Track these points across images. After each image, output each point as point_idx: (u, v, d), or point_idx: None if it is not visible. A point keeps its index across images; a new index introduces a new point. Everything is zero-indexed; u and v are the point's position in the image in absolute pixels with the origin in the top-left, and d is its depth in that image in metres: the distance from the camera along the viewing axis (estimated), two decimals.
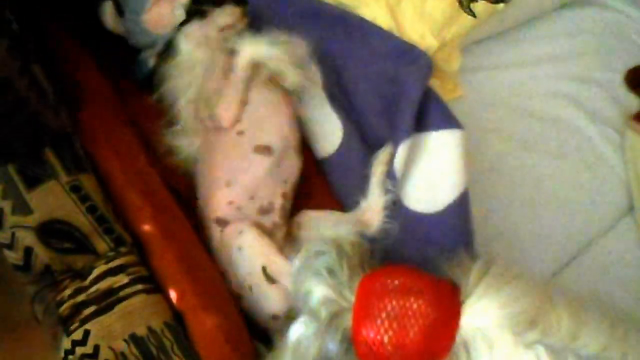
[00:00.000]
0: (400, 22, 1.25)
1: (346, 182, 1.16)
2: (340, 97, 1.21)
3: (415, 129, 1.12)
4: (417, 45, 1.21)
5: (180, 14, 1.09)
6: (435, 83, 1.27)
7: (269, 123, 1.08)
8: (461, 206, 1.11)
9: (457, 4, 1.29)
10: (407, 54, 1.20)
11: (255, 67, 1.08)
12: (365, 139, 1.19)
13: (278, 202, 1.06)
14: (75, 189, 0.92)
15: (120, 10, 1.11)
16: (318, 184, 1.19)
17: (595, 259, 1.33)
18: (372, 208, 1.09)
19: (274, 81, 1.10)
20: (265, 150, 1.05)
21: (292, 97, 1.13)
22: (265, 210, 1.05)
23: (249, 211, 1.04)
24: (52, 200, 0.90)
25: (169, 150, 1.09)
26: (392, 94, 1.17)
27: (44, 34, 1.05)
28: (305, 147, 1.17)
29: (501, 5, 1.35)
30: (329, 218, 1.11)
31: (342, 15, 1.23)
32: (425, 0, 1.27)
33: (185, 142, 1.10)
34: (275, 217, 1.06)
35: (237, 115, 1.06)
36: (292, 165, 1.10)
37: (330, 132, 1.18)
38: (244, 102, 1.07)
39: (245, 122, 1.07)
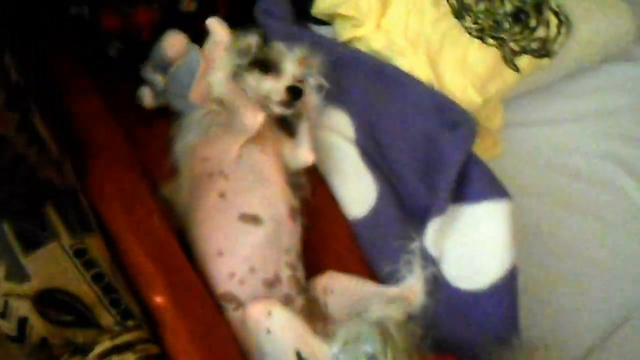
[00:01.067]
0: (441, 74, 1.17)
1: (379, 247, 1.08)
2: (375, 153, 1.13)
3: (456, 199, 1.04)
4: (459, 103, 1.11)
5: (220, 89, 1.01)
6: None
7: (254, 191, 0.99)
8: (508, 284, 1.01)
9: (500, 57, 1.21)
10: (449, 113, 1.10)
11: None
12: (402, 201, 1.11)
13: (285, 273, 0.97)
14: (80, 253, 0.82)
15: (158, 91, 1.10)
16: (348, 243, 1.10)
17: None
18: (413, 284, 1.00)
19: (269, 140, 1.04)
20: (252, 219, 0.96)
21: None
22: (271, 283, 0.95)
23: (254, 285, 0.94)
24: (52, 266, 0.80)
25: (164, 205, 1.00)
26: (431, 156, 1.09)
27: (50, 73, 0.98)
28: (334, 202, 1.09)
29: (546, 60, 1.28)
30: (362, 289, 1.02)
31: (377, 65, 1.14)
32: (467, 51, 1.19)
33: (177, 196, 1.01)
34: (285, 289, 0.96)
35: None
36: (292, 234, 1.00)
37: (363, 191, 1.10)
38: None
39: (227, 184, 0.98)
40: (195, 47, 1.06)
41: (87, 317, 0.80)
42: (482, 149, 1.20)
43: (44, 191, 0.81)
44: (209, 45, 1.06)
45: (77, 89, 1.01)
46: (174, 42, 1.08)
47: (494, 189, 1.04)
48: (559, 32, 1.28)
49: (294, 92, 1.02)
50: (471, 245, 1.04)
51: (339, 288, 1.01)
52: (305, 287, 0.99)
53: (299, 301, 0.97)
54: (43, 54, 0.98)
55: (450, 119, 1.09)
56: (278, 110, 1.04)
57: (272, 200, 0.99)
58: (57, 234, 0.81)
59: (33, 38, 0.93)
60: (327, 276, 1.02)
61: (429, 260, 1.03)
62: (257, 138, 1.01)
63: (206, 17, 1.15)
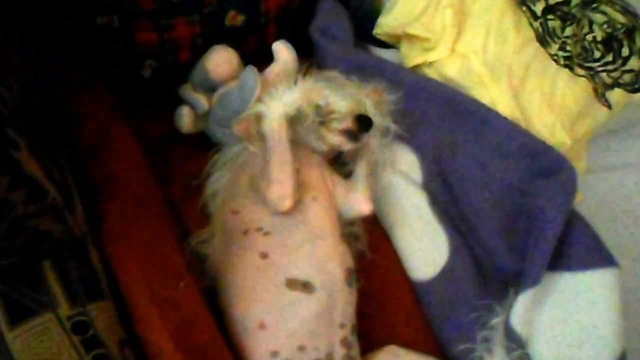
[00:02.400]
0: (525, 109, 0.98)
1: (450, 318, 0.89)
2: (447, 201, 0.94)
3: (553, 267, 0.85)
4: (552, 146, 0.92)
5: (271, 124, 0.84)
6: None
7: (302, 250, 0.80)
8: None
9: (591, 90, 1.02)
10: (541, 158, 0.92)
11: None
12: (479, 262, 0.92)
13: (339, 352, 0.78)
14: (80, 327, 0.65)
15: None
16: (412, 311, 0.91)
17: None
18: None
19: (321, 184, 0.86)
20: (301, 286, 0.78)
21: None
22: None
23: None
24: (44, 343, 0.62)
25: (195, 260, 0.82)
26: (518, 211, 0.90)
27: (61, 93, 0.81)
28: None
29: (639, 95, 1.07)
30: None
31: (453, 96, 0.96)
32: (556, 83, 1.00)
33: (210, 250, 0.84)
34: None
35: (295, 189, 0.80)
36: (348, 302, 0.81)
37: (432, 248, 0.91)
38: (295, 169, 0.81)
39: (268, 241, 0.80)
40: (252, 69, 0.89)
41: None
42: None
43: (39, 247, 0.63)
44: (272, 69, 0.92)
45: (97, 114, 0.85)
46: (221, 59, 0.92)
47: (600, 255, 0.86)
48: None
49: (364, 123, 0.83)
50: (572, 325, 0.84)
51: None
52: None
53: None
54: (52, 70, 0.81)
55: (543, 166, 0.90)
56: (337, 141, 0.85)
57: (325, 261, 0.80)
58: (54, 301, 0.63)
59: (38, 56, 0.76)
60: (386, 352, 0.84)
61: (515, 341, 0.84)
62: (306, 184, 0.83)
63: (253, 33, 0.99)
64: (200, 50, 0.93)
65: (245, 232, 0.80)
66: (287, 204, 0.79)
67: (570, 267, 0.86)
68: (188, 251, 0.80)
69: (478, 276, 0.90)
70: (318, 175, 0.87)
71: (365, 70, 0.94)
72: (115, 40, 0.89)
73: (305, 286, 0.77)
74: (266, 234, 0.80)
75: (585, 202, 1.14)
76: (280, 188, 0.79)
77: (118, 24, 0.88)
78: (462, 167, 0.93)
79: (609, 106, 1.04)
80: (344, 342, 0.78)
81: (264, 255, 0.78)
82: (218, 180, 0.88)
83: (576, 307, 0.85)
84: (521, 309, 0.83)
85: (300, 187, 0.81)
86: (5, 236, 0.60)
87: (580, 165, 1.10)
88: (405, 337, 0.88)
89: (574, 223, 0.87)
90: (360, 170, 0.89)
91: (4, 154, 0.56)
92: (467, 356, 0.85)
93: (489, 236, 0.91)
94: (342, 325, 0.79)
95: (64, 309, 0.63)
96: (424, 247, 0.91)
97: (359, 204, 0.87)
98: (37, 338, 0.61)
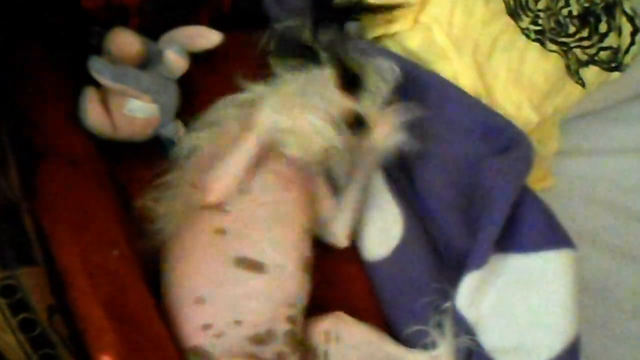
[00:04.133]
0: (490, 85, 0.96)
1: (401, 299, 0.87)
2: (403, 181, 0.92)
3: (503, 248, 0.84)
4: (512, 122, 0.91)
5: None
6: None
7: (264, 233, 0.79)
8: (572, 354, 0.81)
9: (563, 67, 1.00)
10: (499, 134, 0.90)
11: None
12: (435, 242, 0.90)
13: (282, 328, 0.76)
14: (8, 290, 0.63)
15: None
16: (363, 291, 0.89)
17: None
18: (443, 355, 0.81)
19: (298, 182, 0.84)
20: (252, 266, 0.76)
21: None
22: (261, 340, 0.75)
23: (235, 340, 0.74)
24: None
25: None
26: (475, 189, 0.88)
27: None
28: None
29: (616, 74, 1.07)
30: (378, 346, 0.82)
31: (411, 69, 0.92)
32: (524, 58, 0.98)
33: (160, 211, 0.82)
34: (277, 347, 0.76)
35: (226, 192, 0.78)
36: (301, 286, 0.79)
37: (385, 226, 0.89)
38: (238, 182, 0.79)
39: (231, 219, 0.78)
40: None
41: None
42: (530, 180, 1.00)
43: None
44: None
45: (42, 83, 0.82)
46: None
47: (555, 236, 0.84)
48: (632, 42, 1.07)
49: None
50: (521, 309, 0.83)
51: (347, 336, 0.80)
52: (302, 340, 0.79)
53: (295, 357, 0.77)
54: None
55: (503, 142, 0.89)
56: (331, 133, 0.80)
57: (288, 247, 0.79)
58: None
59: None
60: (332, 318, 0.81)
61: (462, 325, 0.83)
62: (281, 174, 0.82)
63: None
64: (149, 16, 0.91)
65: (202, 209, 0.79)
66: (210, 197, 0.77)
67: (521, 248, 0.84)
68: (133, 213, 0.79)
69: (433, 258, 0.88)
70: (302, 175, 0.84)
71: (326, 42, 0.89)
72: (61, 6, 0.86)
73: (255, 266, 0.75)
74: (227, 212, 0.78)
75: (558, 187, 1.14)
76: (216, 178, 0.78)
77: None
78: (419, 143, 0.90)
79: (583, 84, 1.03)
80: (289, 319, 0.77)
81: (219, 231, 0.76)
82: (201, 138, 0.85)
83: (527, 290, 0.84)
84: (466, 292, 0.82)
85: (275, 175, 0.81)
86: None
87: (551, 144, 1.11)
88: (356, 303, 0.86)
89: (528, 202, 0.85)
90: (349, 195, 0.87)
91: None
92: (419, 340, 0.83)
93: (445, 216, 0.89)
94: (290, 305, 0.77)
95: None
96: (377, 224, 0.89)
97: (336, 238, 0.87)
98: None
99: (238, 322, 0.74)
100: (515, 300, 0.83)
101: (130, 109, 0.84)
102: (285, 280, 0.77)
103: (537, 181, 1.07)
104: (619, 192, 1.19)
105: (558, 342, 0.81)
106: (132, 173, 0.85)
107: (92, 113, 0.82)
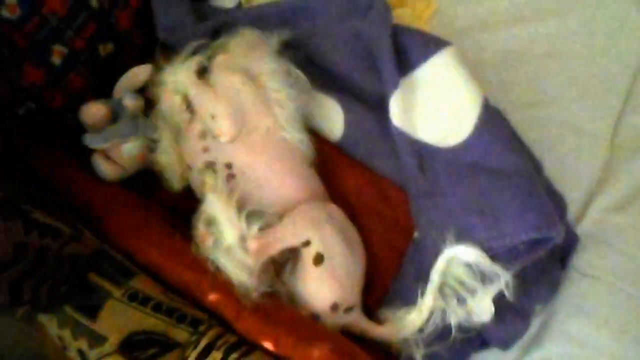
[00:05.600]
0: None
1: (370, 153, 1.12)
2: (325, 76, 1.16)
3: (404, 72, 1.06)
4: None
5: None
6: (406, 12, 1.23)
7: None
8: (489, 117, 1.04)
9: None
10: (357, 3, 1.13)
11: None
12: (370, 104, 1.13)
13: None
14: (133, 296, 0.93)
15: None
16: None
17: None
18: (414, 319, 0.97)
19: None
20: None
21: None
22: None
23: None
24: (118, 318, 0.91)
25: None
26: (366, 49, 1.11)
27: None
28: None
29: None
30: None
31: (287, 7, 1.17)
32: None
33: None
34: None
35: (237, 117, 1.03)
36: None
37: (332, 115, 1.13)
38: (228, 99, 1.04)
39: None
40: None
41: (167, 342, 0.90)
42: (420, 13, 1.25)
43: (79, 265, 0.92)
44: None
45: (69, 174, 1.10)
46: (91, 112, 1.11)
47: (431, 45, 1.07)
48: None
49: None
50: (438, 103, 1.06)
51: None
52: None
53: None
54: None
55: (362, 7, 1.12)
56: None
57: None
58: (108, 292, 0.92)
59: None
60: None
61: (399, 136, 1.07)
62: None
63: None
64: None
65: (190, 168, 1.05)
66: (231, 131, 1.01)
67: (416, 65, 1.07)
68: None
69: (375, 114, 1.12)
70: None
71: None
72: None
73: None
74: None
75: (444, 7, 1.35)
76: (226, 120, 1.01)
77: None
78: (322, 39, 1.15)
79: None
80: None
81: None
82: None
83: (435, 90, 1.07)
84: (396, 109, 1.05)
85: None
86: (56, 269, 0.88)
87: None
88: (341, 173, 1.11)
89: (403, 35, 1.09)
90: None
91: (26, 218, 0.84)
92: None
93: (362, 81, 1.12)
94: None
95: (116, 293, 0.91)
96: (326, 118, 1.12)
97: None
98: (111, 318, 0.89)
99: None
100: (432, 100, 1.07)
101: (126, 152, 1.10)
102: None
103: (424, 11, 1.30)
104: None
105: (474, 109, 1.04)
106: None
107: (106, 169, 1.10)
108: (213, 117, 1.02)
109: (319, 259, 0.93)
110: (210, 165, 1.02)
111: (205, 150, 1.03)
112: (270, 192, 1.00)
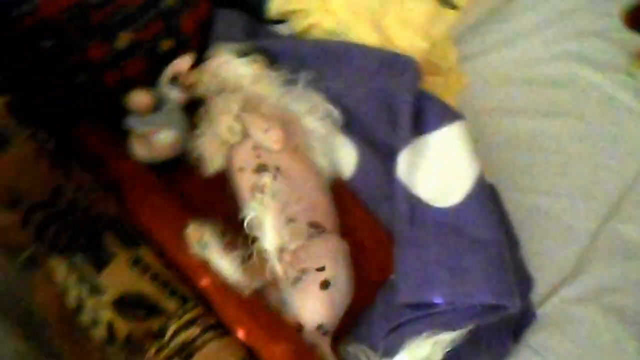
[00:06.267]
0: (388, 34, 1.31)
1: (372, 197, 1.22)
2: (346, 117, 1.24)
3: (419, 133, 1.17)
4: (400, 53, 1.26)
5: None
6: (438, 81, 1.34)
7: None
8: (480, 191, 1.13)
9: (436, 2, 1.34)
10: (394, 65, 1.24)
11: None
12: (382, 151, 1.23)
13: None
14: (136, 262, 1.03)
15: None
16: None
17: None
18: None
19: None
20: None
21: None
22: None
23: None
24: (120, 276, 1.01)
25: None
26: (391, 107, 1.21)
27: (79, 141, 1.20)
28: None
29: None
30: None
31: (321, 45, 1.29)
32: (405, 5, 1.32)
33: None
34: None
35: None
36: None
37: (346, 155, 1.24)
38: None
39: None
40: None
41: (156, 308, 0.99)
42: (449, 85, 1.37)
43: (100, 222, 1.03)
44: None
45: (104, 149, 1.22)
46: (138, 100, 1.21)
47: (447, 115, 1.17)
48: None
49: None
50: (440, 168, 1.16)
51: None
52: None
53: None
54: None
55: (397, 69, 1.23)
56: None
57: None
58: (117, 253, 1.02)
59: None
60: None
61: (400, 188, 1.16)
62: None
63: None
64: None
65: (241, 170, 1.17)
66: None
67: (429, 130, 1.17)
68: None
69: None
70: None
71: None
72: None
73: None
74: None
75: (472, 86, 1.47)
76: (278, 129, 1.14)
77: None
78: (348, 91, 1.24)
79: (454, 6, 1.35)
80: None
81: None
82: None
83: (440, 156, 1.16)
84: (403, 165, 1.14)
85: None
86: (80, 220, 1.00)
87: (450, 57, 1.43)
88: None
89: (426, 100, 1.19)
90: None
91: (68, 173, 0.99)
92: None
93: (379, 131, 1.23)
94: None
95: (124, 255, 1.00)
96: (339, 157, 1.22)
97: None
98: (114, 275, 0.98)
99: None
100: (435, 164, 1.15)
101: (157, 139, 1.21)
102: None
103: (454, 85, 1.42)
104: (521, 68, 1.52)
105: (468, 181, 1.13)
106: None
107: (140, 150, 1.21)
108: (266, 130, 1.15)
109: (325, 284, 1.03)
110: (263, 167, 1.14)
111: (258, 156, 1.16)
112: (305, 202, 1.11)
